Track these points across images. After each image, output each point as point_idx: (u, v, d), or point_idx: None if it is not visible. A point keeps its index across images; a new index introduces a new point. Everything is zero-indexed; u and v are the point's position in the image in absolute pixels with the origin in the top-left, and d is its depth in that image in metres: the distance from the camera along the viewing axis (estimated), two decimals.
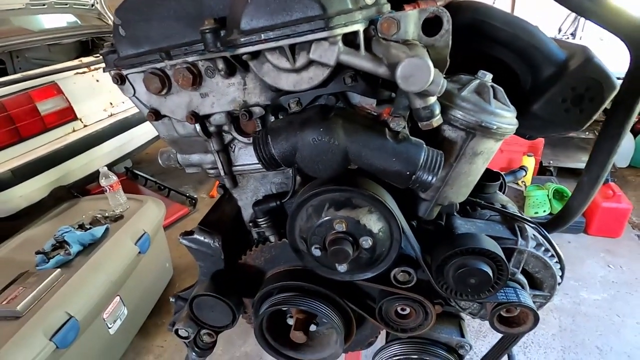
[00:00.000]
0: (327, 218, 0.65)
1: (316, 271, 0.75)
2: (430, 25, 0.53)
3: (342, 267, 0.69)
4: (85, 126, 2.81)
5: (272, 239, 0.80)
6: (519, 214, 0.81)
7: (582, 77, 0.66)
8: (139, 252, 2.36)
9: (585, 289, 2.54)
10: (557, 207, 2.98)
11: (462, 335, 0.88)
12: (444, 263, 0.69)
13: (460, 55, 0.79)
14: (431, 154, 0.57)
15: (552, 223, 0.99)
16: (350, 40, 0.51)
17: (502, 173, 1.28)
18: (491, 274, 0.68)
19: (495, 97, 0.63)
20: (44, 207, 2.64)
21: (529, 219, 0.80)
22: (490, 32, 0.70)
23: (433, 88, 0.50)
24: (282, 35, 0.49)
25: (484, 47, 0.73)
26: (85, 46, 3.86)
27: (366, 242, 0.65)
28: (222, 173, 0.76)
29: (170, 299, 0.94)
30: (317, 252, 0.68)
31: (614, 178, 3.31)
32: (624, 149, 3.63)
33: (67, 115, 2.67)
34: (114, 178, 2.51)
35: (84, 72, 2.77)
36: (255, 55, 0.54)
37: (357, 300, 0.81)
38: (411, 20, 0.51)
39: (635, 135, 3.67)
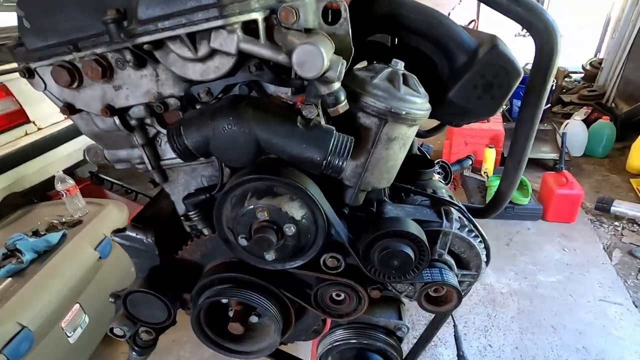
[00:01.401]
0: (249, 207, 0.65)
1: (247, 261, 0.75)
2: (333, 15, 0.55)
3: (269, 256, 0.70)
4: (39, 129, 2.70)
5: (205, 232, 0.80)
6: (447, 199, 0.84)
7: (489, 64, 0.69)
8: (100, 257, 2.29)
9: (542, 273, 2.66)
10: (516, 195, 3.10)
11: (400, 318, 0.91)
12: (369, 246, 0.72)
13: (386, 44, 0.81)
14: (340, 139, 0.59)
15: (488, 208, 1.04)
16: (251, 29, 0.52)
17: (448, 162, 1.32)
18: (413, 256, 0.70)
19: (406, 84, 0.65)
20: None
21: (456, 202, 0.84)
22: (407, 23, 0.73)
23: (331, 74, 0.52)
24: (178, 24, 0.49)
25: (403, 37, 0.75)
26: None
27: (289, 230, 0.66)
28: (149, 168, 0.75)
29: (110, 299, 0.92)
30: (243, 242, 0.68)
31: (568, 166, 3.48)
32: (579, 139, 3.82)
33: (18, 118, 2.55)
34: (71, 182, 2.43)
35: None
36: (158, 45, 0.54)
37: (293, 289, 0.83)
38: (310, 9, 0.53)
39: (588, 126, 3.86)
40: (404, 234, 0.70)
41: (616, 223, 3.02)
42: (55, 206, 2.57)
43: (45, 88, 0.64)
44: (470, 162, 1.48)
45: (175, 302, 0.83)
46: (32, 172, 2.69)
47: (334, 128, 0.60)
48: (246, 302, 0.79)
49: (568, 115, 4.48)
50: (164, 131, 0.71)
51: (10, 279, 1.91)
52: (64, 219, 2.37)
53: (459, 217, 0.81)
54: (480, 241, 0.82)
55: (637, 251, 2.72)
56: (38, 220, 2.39)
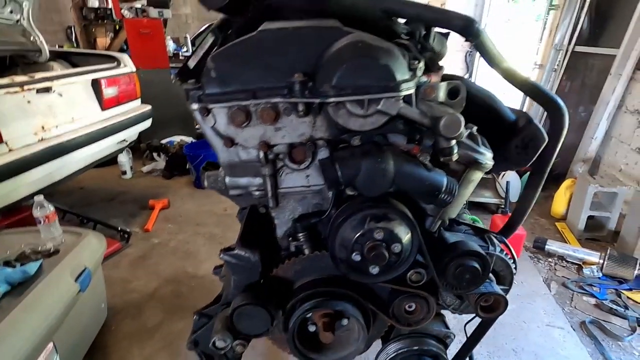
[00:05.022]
0: (369, 228, 0.82)
1: (349, 277, 0.90)
2: (453, 92, 0.79)
3: (375, 270, 0.87)
4: (10, 150, 2.50)
5: (306, 251, 0.94)
6: (485, 228, 1.09)
7: (527, 133, 0.98)
8: (79, 291, 2.13)
9: None
10: None
11: (447, 328, 1.10)
12: (447, 264, 0.92)
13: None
14: (450, 181, 0.81)
15: (504, 231, 1.31)
16: (405, 98, 0.74)
17: None
18: (480, 270, 0.92)
19: (483, 142, 0.91)
20: None
21: (492, 231, 1.09)
22: (473, 97, 1.00)
23: (460, 135, 0.74)
24: (364, 92, 0.69)
25: (471, 107, 1.02)
26: (3, 62, 3.48)
27: (396, 248, 0.84)
28: (269, 194, 0.89)
29: (195, 317, 0.98)
30: (357, 257, 0.84)
31: (510, 209, 4.07)
32: (514, 187, 4.52)
33: None
34: (51, 208, 2.27)
35: (15, 92, 2.52)
36: (336, 102, 0.72)
37: (374, 302, 0.98)
38: (442, 89, 0.76)
39: (520, 176, 4.58)
40: (475, 253, 0.91)
41: (550, 259, 3.59)
42: (23, 234, 2.34)
43: (214, 125, 0.77)
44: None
45: (276, 312, 0.92)
46: None
47: (444, 172, 0.82)
48: (338, 312, 0.93)
49: None
50: (290, 165, 0.87)
51: None
52: (38, 248, 2.18)
53: (499, 242, 1.05)
54: (513, 261, 1.07)
55: (568, 283, 3.25)
56: (6, 249, 2.16)
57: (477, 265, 0.91)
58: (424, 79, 0.78)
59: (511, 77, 0.97)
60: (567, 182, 4.08)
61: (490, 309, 1.01)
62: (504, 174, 4.65)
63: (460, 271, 0.91)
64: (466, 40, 0.94)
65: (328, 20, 0.76)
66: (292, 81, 0.71)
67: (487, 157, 0.88)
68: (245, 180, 0.89)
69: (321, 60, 0.70)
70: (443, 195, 0.79)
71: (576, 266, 3.45)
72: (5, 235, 2.35)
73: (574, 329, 2.73)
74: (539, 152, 1.01)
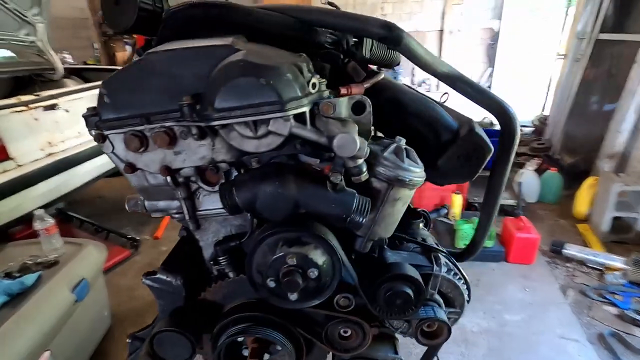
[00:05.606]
0: (280, 254, 0.78)
1: (270, 301, 0.86)
2: (358, 107, 0.73)
3: (294, 296, 0.82)
4: (18, 166, 2.66)
5: (230, 275, 0.91)
6: (435, 246, 1.01)
7: (469, 142, 0.90)
8: (76, 300, 2.21)
9: (508, 312, 2.86)
10: None
11: (396, 352, 1.03)
12: (377, 288, 0.86)
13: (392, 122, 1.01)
14: (361, 201, 0.75)
15: (465, 253, 1.22)
16: (299, 116, 0.69)
17: (427, 211, 1.52)
18: (412, 295, 0.85)
19: (408, 156, 0.83)
20: None
21: (442, 249, 1.01)
22: (407, 106, 0.93)
23: (359, 153, 0.68)
24: (247, 114, 0.65)
25: (403, 117, 0.95)
26: (22, 82, 3.71)
27: (313, 273, 0.79)
28: (187, 217, 0.86)
29: (127, 340, 0.97)
30: (272, 284, 0.80)
31: (525, 212, 3.84)
32: (532, 187, 4.26)
33: None
34: (51, 221, 2.38)
35: (22, 111, 2.67)
36: (224, 125, 0.69)
37: (306, 327, 0.93)
38: (343, 105, 0.70)
39: (540, 175, 4.32)
40: (406, 277, 0.84)
41: (568, 264, 3.34)
42: (27, 246, 2.48)
43: (112, 150, 0.76)
44: (445, 211, 1.69)
45: (198, 341, 0.90)
46: (5, 211, 2.61)
47: (355, 192, 0.76)
48: (267, 339, 0.89)
49: (521, 165, 4.95)
50: (205, 187, 0.84)
51: None
52: (39, 260, 2.29)
53: (446, 262, 0.97)
54: (463, 282, 0.98)
55: (587, 290, 3.01)
56: (10, 260, 2.29)
57: (408, 290, 0.84)
58: (327, 93, 0.72)
59: (451, 82, 0.89)
60: (589, 180, 3.78)
61: (433, 335, 0.93)
62: (521, 172, 4.40)
63: (390, 296, 0.84)
64: (388, 48, 0.87)
65: (223, 39, 0.72)
66: (182, 104, 0.68)
67: (412, 173, 0.81)
68: (163, 204, 0.87)
69: (208, 81, 0.67)
70: (354, 217, 0.73)
71: (598, 272, 3.18)
72: (12, 248, 2.49)
73: (590, 342, 2.51)
74: (485, 163, 0.92)
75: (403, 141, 0.85)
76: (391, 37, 0.78)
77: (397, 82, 1.00)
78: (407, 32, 0.81)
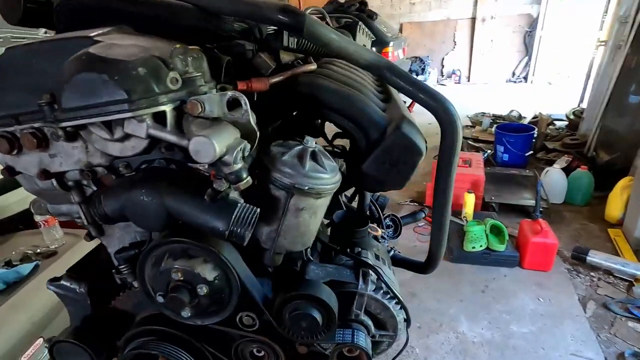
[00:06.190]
0: (166, 267, 0.71)
1: (169, 316, 0.79)
2: (233, 105, 0.63)
3: (185, 313, 0.75)
4: None
5: (135, 284, 0.85)
6: (366, 261, 0.90)
7: (394, 144, 0.77)
8: None
9: (516, 323, 2.63)
10: (493, 241, 3.11)
11: None
12: (281, 306, 0.76)
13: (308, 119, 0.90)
14: (245, 211, 0.66)
15: (426, 265, 1.09)
16: (161, 117, 0.60)
17: (397, 216, 1.39)
18: (320, 319, 0.74)
19: (314, 160, 0.73)
20: None
21: (375, 265, 0.89)
22: (326, 102, 0.82)
23: (227, 158, 0.59)
24: (94, 114, 0.57)
25: (323, 114, 0.84)
26: None
27: (201, 290, 0.71)
28: (85, 222, 0.81)
29: (44, 345, 0.95)
30: (160, 299, 0.73)
31: (548, 214, 3.52)
32: (558, 187, 3.89)
33: None
34: None
35: None
36: (81, 127, 0.62)
37: (216, 344, 0.86)
38: (214, 102, 0.61)
39: (569, 174, 3.94)
40: (313, 298, 0.74)
41: (592, 274, 3.02)
42: (31, 236, 2.60)
43: None
44: (423, 215, 1.54)
45: (100, 352, 0.86)
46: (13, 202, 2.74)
47: (240, 200, 0.67)
48: (166, 355, 0.82)
49: (551, 162, 4.57)
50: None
51: None
52: (39, 250, 2.40)
53: (376, 279, 0.85)
54: (397, 302, 0.86)
55: (611, 304, 2.71)
56: (13, 249, 2.41)
57: (314, 313, 0.74)
58: (204, 89, 0.63)
59: (377, 73, 0.77)
60: (623, 181, 3.39)
61: None
62: (547, 170, 4.04)
63: (295, 317, 0.75)
64: (290, 35, 0.76)
65: (95, 30, 0.65)
66: (40, 104, 0.62)
67: (314, 180, 0.70)
68: (65, 208, 0.82)
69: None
70: (234, 229, 0.64)
71: (626, 284, 2.85)
72: (18, 237, 2.63)
73: None
74: (415, 169, 0.79)
75: (312, 141, 0.74)
76: (291, 23, 0.67)
77: (334, 73, 0.88)
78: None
